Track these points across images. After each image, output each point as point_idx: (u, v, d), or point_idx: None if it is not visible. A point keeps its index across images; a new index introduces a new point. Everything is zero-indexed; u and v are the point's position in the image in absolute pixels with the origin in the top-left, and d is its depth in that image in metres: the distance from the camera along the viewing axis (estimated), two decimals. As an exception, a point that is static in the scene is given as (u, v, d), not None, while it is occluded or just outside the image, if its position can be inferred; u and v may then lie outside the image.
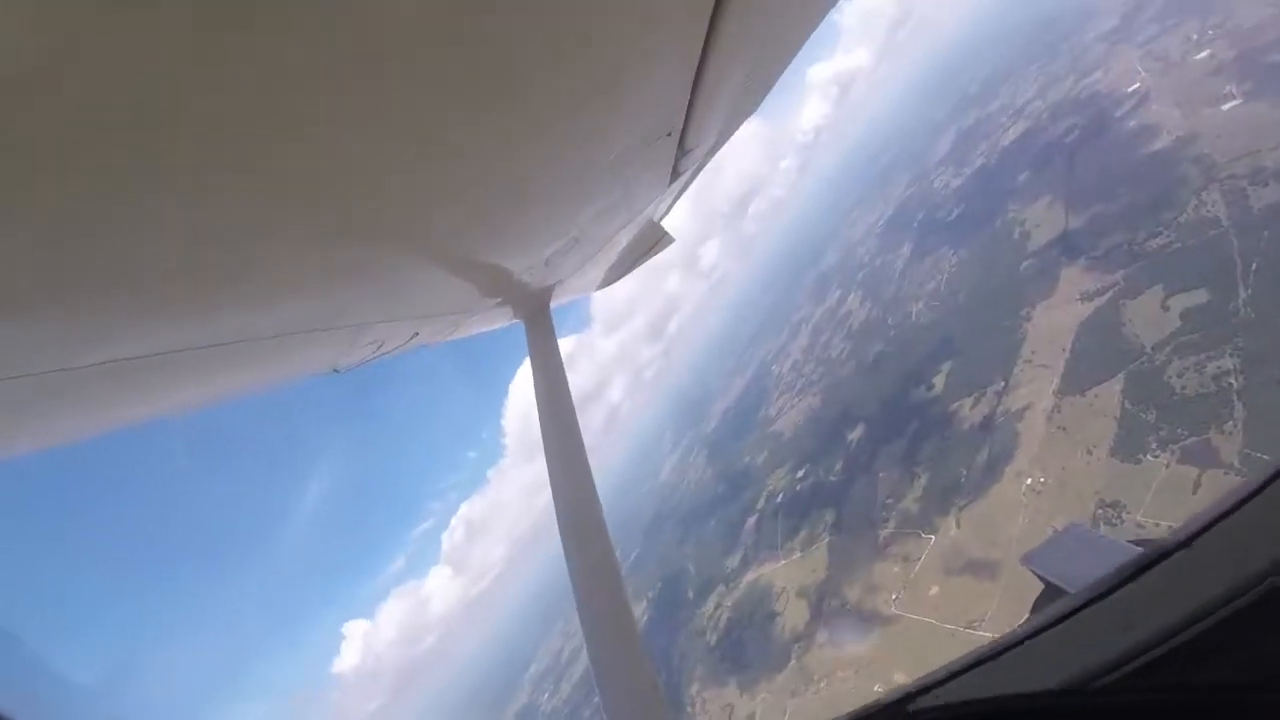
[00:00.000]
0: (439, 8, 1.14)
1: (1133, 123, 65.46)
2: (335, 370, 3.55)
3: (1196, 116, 56.96)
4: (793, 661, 58.44)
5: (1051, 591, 2.52)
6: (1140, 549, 2.48)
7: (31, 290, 1.55)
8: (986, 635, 41.50)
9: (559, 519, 3.12)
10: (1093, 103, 76.45)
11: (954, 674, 1.16)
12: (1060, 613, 1.16)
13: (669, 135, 2.74)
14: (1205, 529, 1.07)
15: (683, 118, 2.67)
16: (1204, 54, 64.49)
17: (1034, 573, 2.77)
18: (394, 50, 1.34)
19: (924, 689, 1.15)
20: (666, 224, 5.52)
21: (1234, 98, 55.49)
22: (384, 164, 1.84)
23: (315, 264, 2.21)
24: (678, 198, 4.22)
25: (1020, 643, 1.15)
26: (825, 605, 58.95)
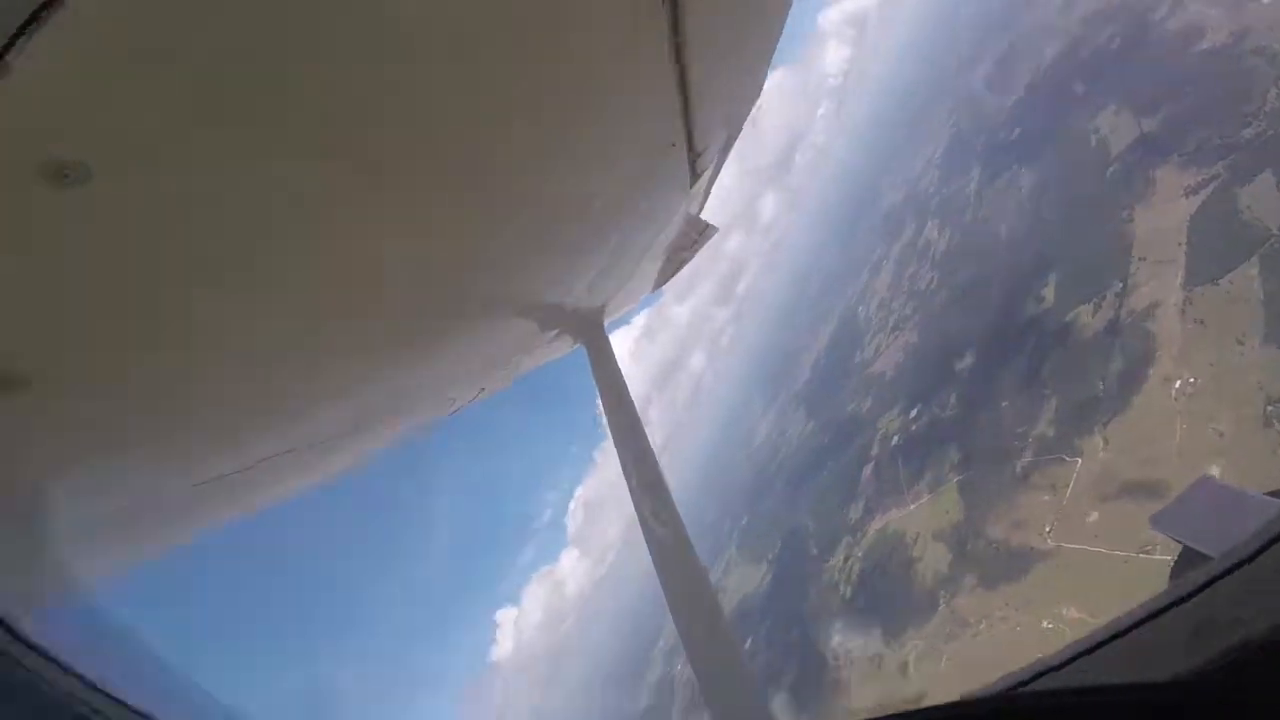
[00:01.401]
0: (427, 100, 1.48)
1: (1172, 24, 61.64)
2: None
3: (1241, 12, 53.17)
4: (942, 606, 54.43)
5: (1190, 555, 2.24)
6: None
7: (174, 421, 2.01)
8: (1165, 560, 36.79)
9: (642, 527, 3.32)
10: (1125, 9, 70.95)
11: (1074, 657, 1.04)
12: (1195, 584, 0.98)
13: (673, 146, 2.83)
14: None
15: (683, 125, 2.74)
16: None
17: (1168, 535, 2.47)
18: (407, 147, 1.66)
19: (1041, 673, 1.06)
20: (709, 205, 5.56)
21: (1271, -10, 50.25)
22: (428, 250, 2.15)
23: (397, 364, 2.69)
24: (709, 190, 4.27)
25: (1148, 620, 1.00)
26: (969, 547, 54.91)
